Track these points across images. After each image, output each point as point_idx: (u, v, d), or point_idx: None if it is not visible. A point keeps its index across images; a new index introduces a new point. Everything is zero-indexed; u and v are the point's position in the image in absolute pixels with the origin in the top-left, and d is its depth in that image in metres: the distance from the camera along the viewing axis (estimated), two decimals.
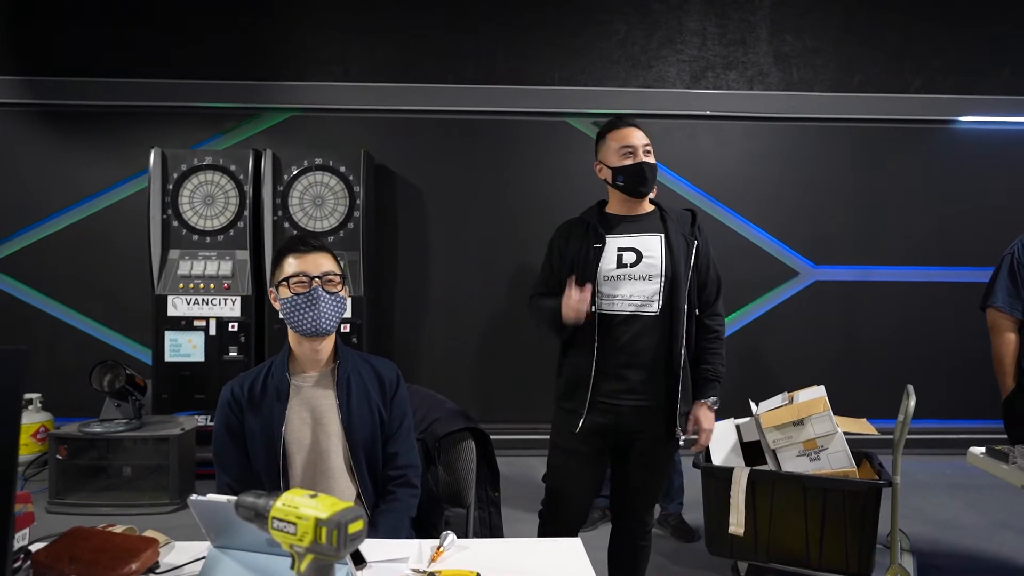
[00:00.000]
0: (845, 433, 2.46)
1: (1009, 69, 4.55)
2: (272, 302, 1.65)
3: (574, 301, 1.88)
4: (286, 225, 4.06)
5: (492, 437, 1.92)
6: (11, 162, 4.40)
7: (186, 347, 3.94)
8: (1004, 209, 4.49)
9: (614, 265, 1.98)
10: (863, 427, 2.64)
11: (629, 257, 1.98)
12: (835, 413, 2.45)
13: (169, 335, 3.93)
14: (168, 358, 3.92)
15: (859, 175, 4.58)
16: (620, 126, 2.04)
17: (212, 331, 3.94)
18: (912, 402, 2.51)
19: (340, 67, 4.46)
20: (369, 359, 1.74)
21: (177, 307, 3.93)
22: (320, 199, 4.09)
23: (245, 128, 4.49)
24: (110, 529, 1.30)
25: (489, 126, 4.51)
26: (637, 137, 2.01)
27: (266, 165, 4.04)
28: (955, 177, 4.57)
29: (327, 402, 1.64)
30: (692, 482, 2.89)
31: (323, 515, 0.87)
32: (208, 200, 4.04)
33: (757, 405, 2.70)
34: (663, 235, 2.00)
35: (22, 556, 1.22)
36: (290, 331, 1.64)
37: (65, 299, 4.43)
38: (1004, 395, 2.48)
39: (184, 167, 4.03)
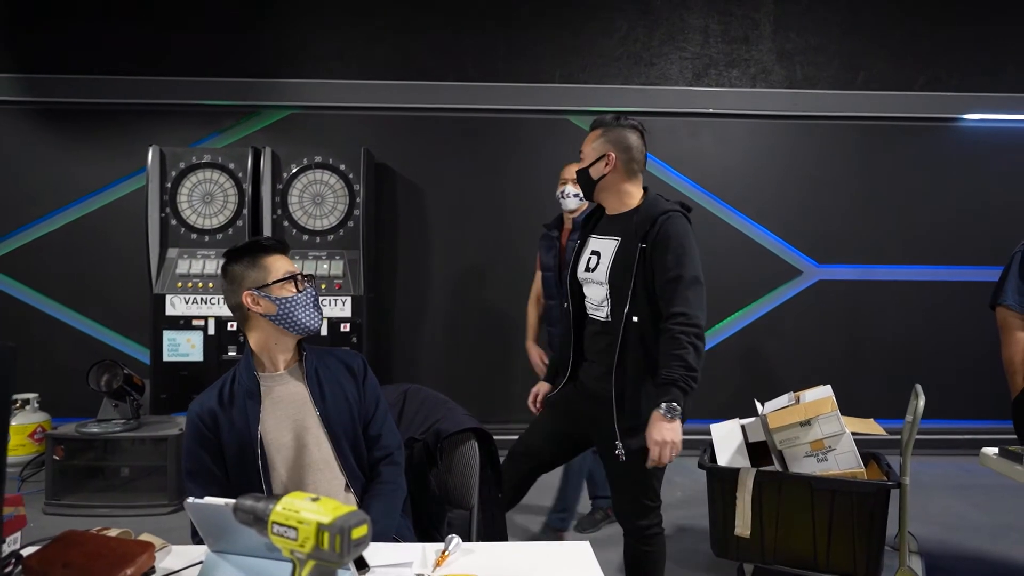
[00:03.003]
0: (852, 433, 2.42)
1: (1014, 66, 4.51)
2: (250, 305, 1.56)
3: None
4: (285, 224, 4.02)
5: (495, 437, 1.88)
6: (7, 160, 4.37)
7: (185, 346, 3.90)
8: (1009, 207, 4.47)
9: (584, 267, 2.00)
10: (870, 427, 2.60)
11: (593, 261, 1.98)
12: (840, 413, 2.41)
13: (167, 334, 3.89)
14: (166, 358, 3.89)
15: (863, 173, 4.54)
16: None
17: (211, 330, 3.90)
18: (921, 402, 2.48)
19: (340, 64, 4.43)
20: (331, 351, 1.73)
21: (176, 306, 3.89)
22: (320, 197, 4.05)
23: (244, 126, 4.45)
24: (104, 533, 1.26)
25: (490, 124, 4.47)
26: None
27: (265, 163, 4.00)
28: (960, 175, 4.53)
29: (300, 396, 1.61)
30: (697, 483, 2.86)
31: (325, 520, 0.83)
32: (207, 198, 4.00)
33: (763, 405, 2.66)
34: (620, 240, 1.93)
35: (13, 561, 1.19)
36: (263, 331, 1.58)
37: (62, 298, 4.39)
38: (1013, 395, 2.44)
39: (182, 165, 3.99)
